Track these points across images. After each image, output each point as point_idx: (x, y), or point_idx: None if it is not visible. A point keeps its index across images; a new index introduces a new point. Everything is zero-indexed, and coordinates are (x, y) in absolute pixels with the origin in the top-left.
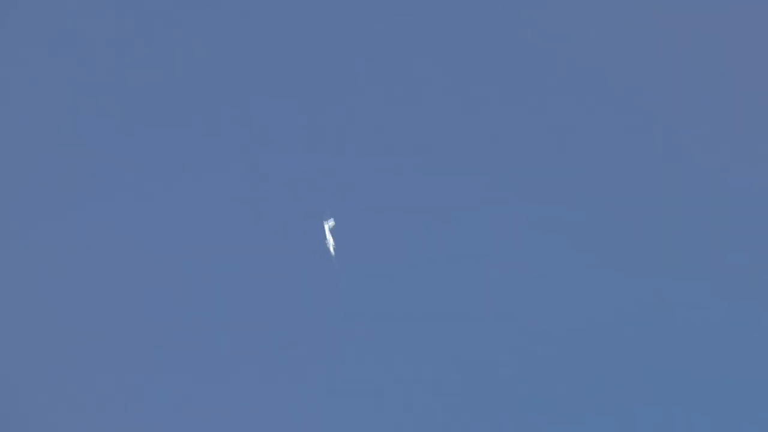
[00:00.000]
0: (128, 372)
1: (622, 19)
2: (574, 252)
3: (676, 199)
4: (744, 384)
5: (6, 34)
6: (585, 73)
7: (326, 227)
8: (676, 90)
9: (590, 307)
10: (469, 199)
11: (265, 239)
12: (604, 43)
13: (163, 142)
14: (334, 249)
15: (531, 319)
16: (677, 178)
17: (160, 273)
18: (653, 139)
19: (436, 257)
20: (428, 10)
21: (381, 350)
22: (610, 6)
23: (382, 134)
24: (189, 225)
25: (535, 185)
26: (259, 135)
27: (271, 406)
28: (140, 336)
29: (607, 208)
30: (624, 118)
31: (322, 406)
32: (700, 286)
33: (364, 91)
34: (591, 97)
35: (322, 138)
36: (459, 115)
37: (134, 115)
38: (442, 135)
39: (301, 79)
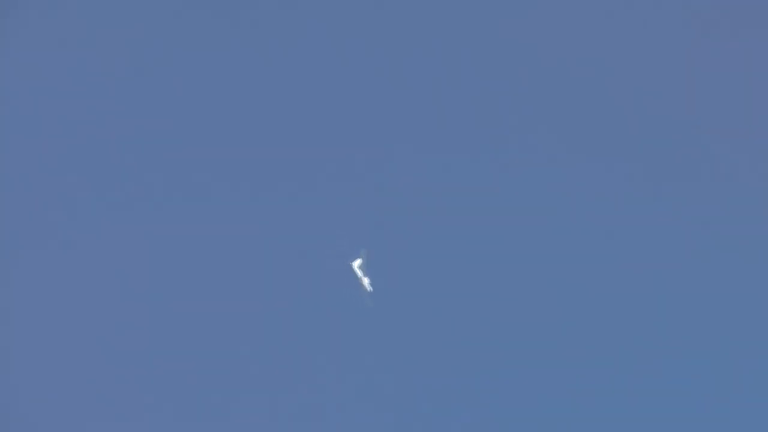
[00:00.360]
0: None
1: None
2: (581, 254)
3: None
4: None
5: (6, 33)
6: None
7: (356, 267)
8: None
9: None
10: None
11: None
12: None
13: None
14: (370, 286)
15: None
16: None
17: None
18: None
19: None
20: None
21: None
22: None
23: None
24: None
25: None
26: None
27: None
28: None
29: (608, 207)
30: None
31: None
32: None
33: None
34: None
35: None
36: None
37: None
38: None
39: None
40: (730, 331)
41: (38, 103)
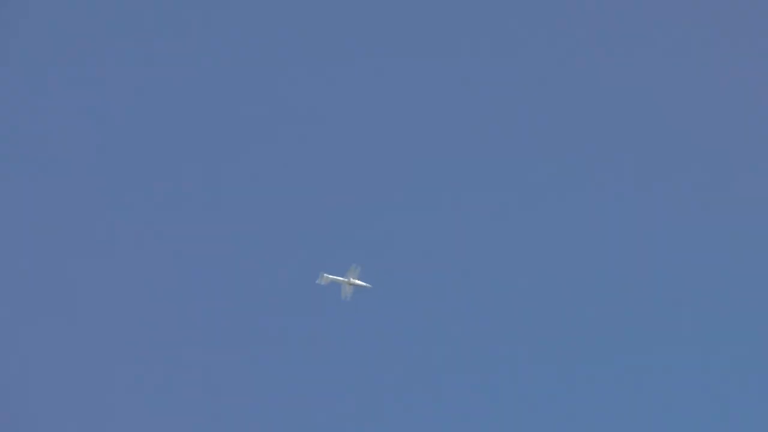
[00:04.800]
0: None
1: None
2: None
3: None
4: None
5: (6, 33)
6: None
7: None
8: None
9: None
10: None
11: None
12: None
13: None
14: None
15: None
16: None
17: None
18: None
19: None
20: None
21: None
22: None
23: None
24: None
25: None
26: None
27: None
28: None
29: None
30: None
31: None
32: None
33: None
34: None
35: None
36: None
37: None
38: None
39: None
40: (731, 332)
41: (37, 100)
